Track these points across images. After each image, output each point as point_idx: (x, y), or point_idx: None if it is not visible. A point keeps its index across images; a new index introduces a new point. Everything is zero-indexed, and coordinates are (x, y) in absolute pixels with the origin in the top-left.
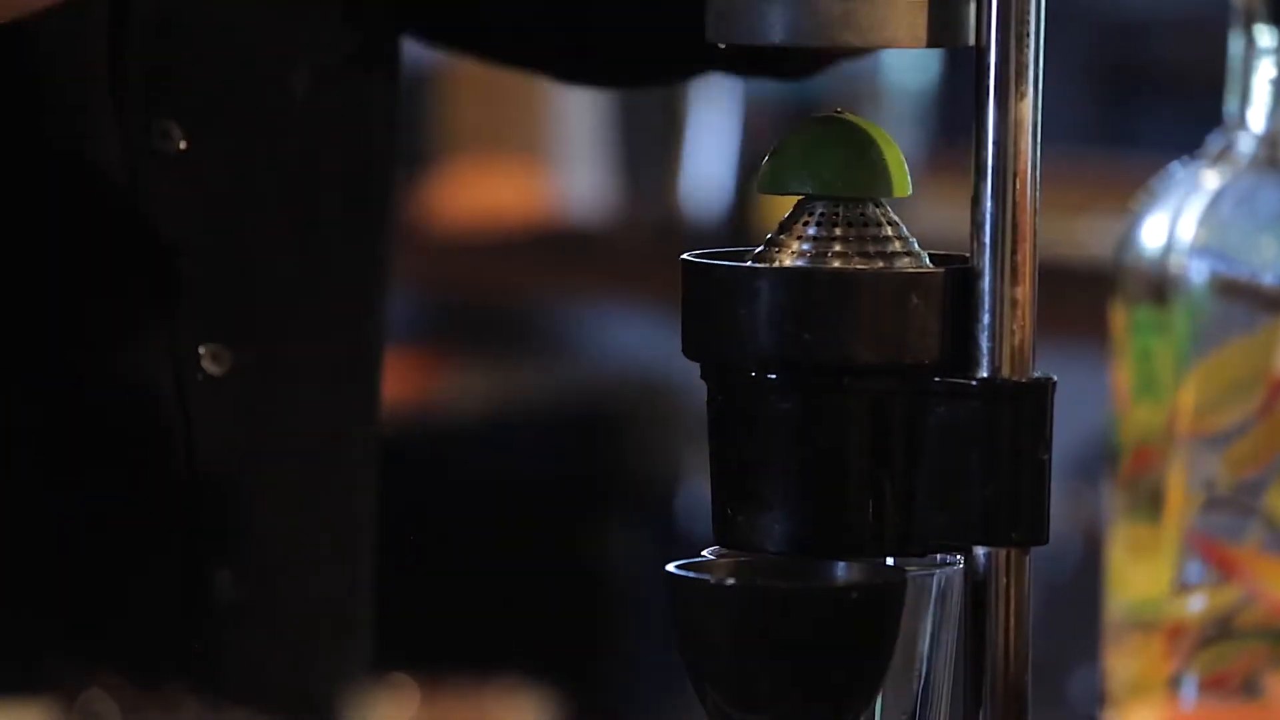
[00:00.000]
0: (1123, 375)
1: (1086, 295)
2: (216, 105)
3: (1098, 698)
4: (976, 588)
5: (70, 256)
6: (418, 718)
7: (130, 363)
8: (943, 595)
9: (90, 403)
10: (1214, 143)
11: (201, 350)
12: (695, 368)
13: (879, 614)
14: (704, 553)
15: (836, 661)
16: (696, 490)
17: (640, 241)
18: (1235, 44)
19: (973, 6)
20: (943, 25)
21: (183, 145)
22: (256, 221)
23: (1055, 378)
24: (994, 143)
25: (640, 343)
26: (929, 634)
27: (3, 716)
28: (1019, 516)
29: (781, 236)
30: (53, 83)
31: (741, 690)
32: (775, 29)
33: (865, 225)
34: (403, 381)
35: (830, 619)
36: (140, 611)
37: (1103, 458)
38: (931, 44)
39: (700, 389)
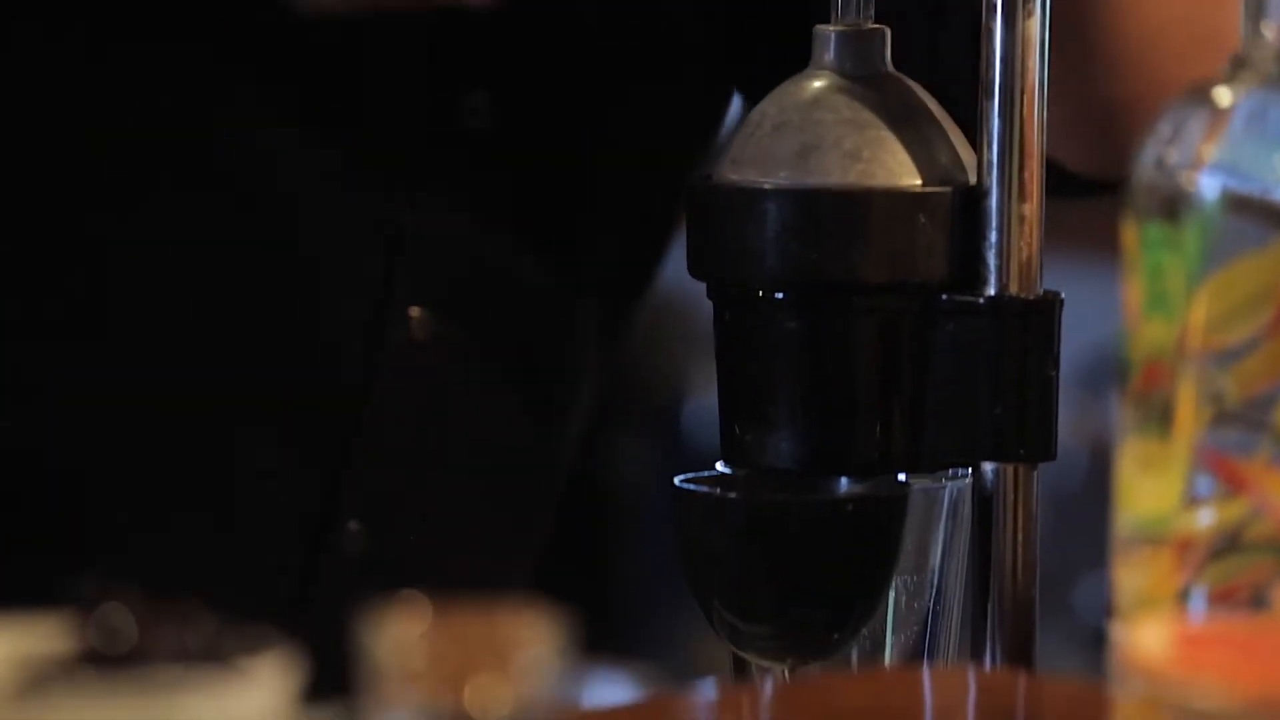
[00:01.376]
0: (1133, 291)
1: (1096, 211)
2: None
3: (1106, 610)
4: (984, 504)
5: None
6: (428, 634)
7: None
8: (954, 508)
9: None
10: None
11: (412, 312)
12: (701, 282)
13: (880, 527)
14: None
15: (839, 574)
16: (702, 404)
17: None
18: None
19: None
20: None
21: None
22: None
23: (1062, 294)
24: (1001, 60)
25: None
26: (940, 546)
27: (18, 632)
28: (1027, 433)
29: None
30: None
31: (745, 603)
32: None
33: None
34: None
35: (830, 531)
36: (257, 548)
37: (1111, 371)
38: None
39: (706, 303)
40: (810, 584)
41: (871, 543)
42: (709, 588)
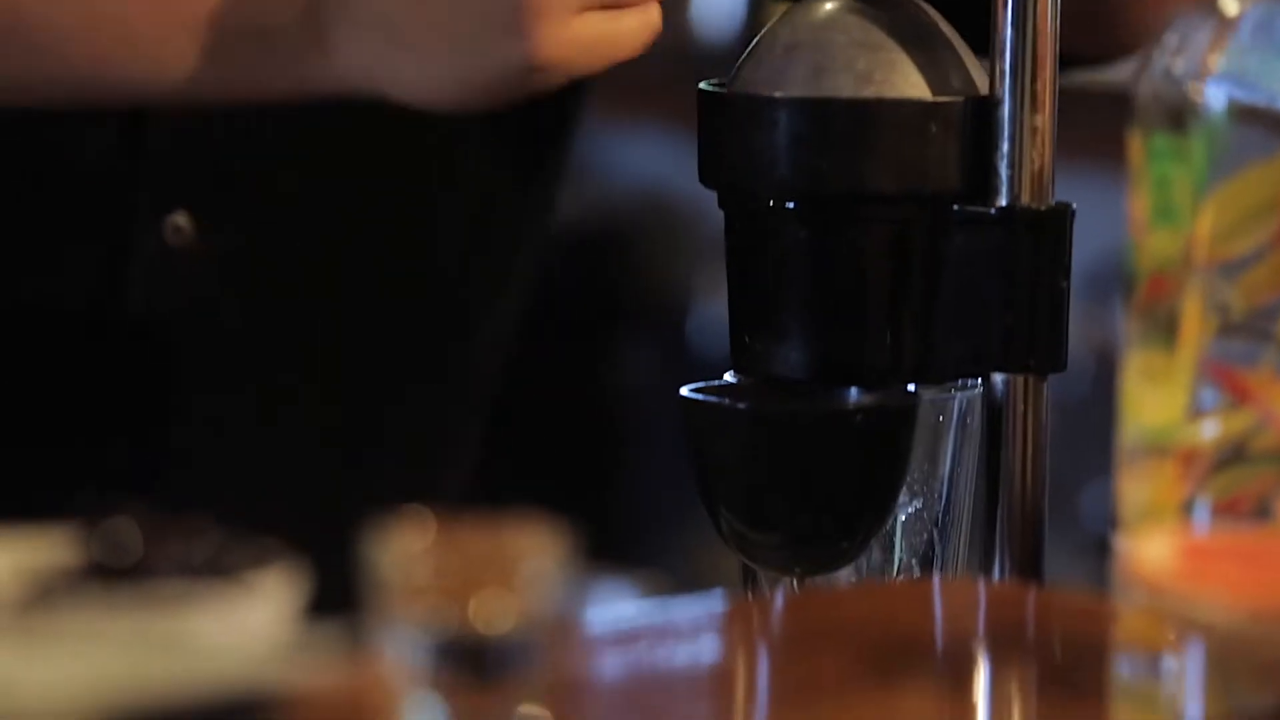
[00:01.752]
0: (1139, 203)
1: (1104, 122)
2: None
3: (1111, 519)
4: (994, 414)
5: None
6: (433, 549)
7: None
8: (964, 418)
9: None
10: None
11: (176, 219)
12: (707, 189)
13: (888, 437)
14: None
15: (847, 483)
16: (708, 311)
17: (652, 59)
18: None
19: None
20: None
21: None
22: None
23: (1074, 205)
24: None
25: (652, 162)
26: (950, 456)
27: (25, 544)
28: (1037, 344)
29: None
30: None
31: (753, 512)
32: None
33: None
34: None
35: (838, 441)
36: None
37: (1118, 280)
38: None
39: (713, 208)
40: (819, 494)
41: (880, 453)
42: (718, 497)
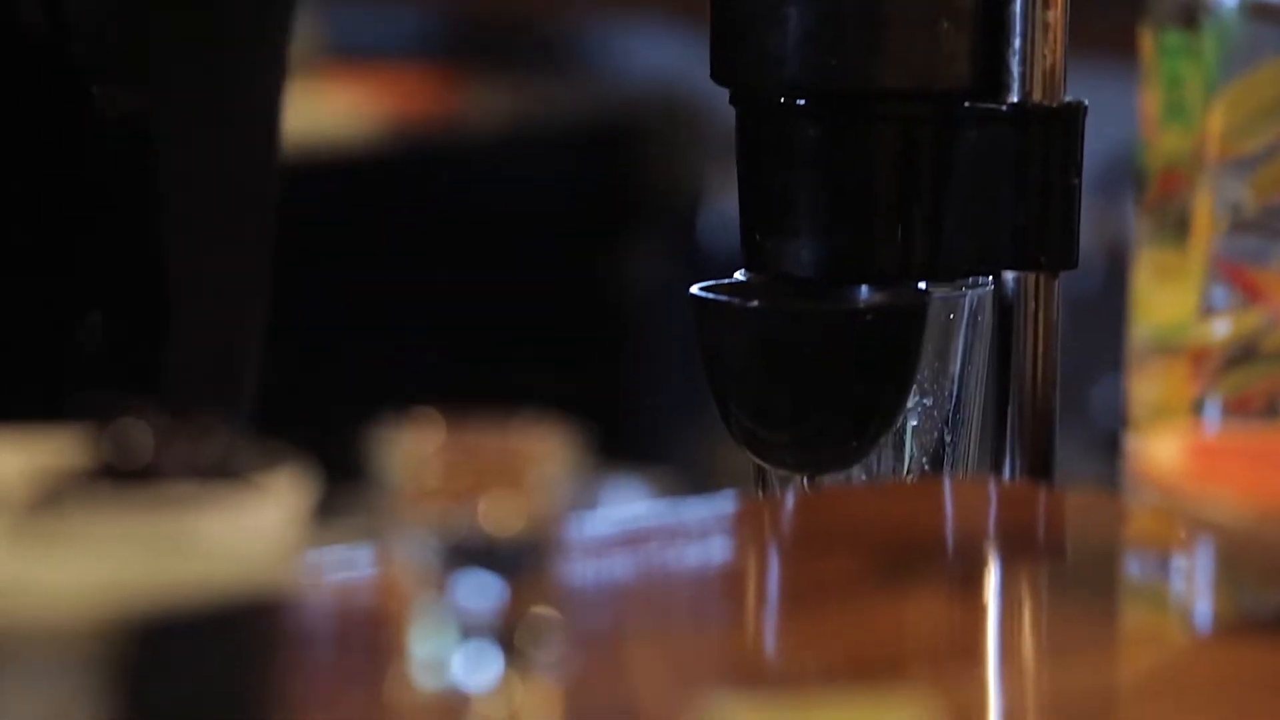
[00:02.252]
0: (1151, 100)
1: (1117, 18)
2: None
3: (1121, 416)
4: (1005, 312)
5: None
6: (443, 449)
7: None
8: (974, 316)
9: None
10: None
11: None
12: (718, 87)
13: (898, 335)
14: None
15: (857, 382)
16: (718, 209)
17: None
18: None
19: None
20: None
21: None
22: None
23: (1086, 103)
24: None
25: (662, 59)
26: (960, 355)
27: (35, 446)
28: (1048, 241)
29: None
30: None
31: (763, 410)
32: None
33: None
34: (422, 98)
35: (849, 340)
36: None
37: (1129, 177)
38: None
39: (724, 106)
40: (829, 392)
41: (890, 351)
42: (728, 396)
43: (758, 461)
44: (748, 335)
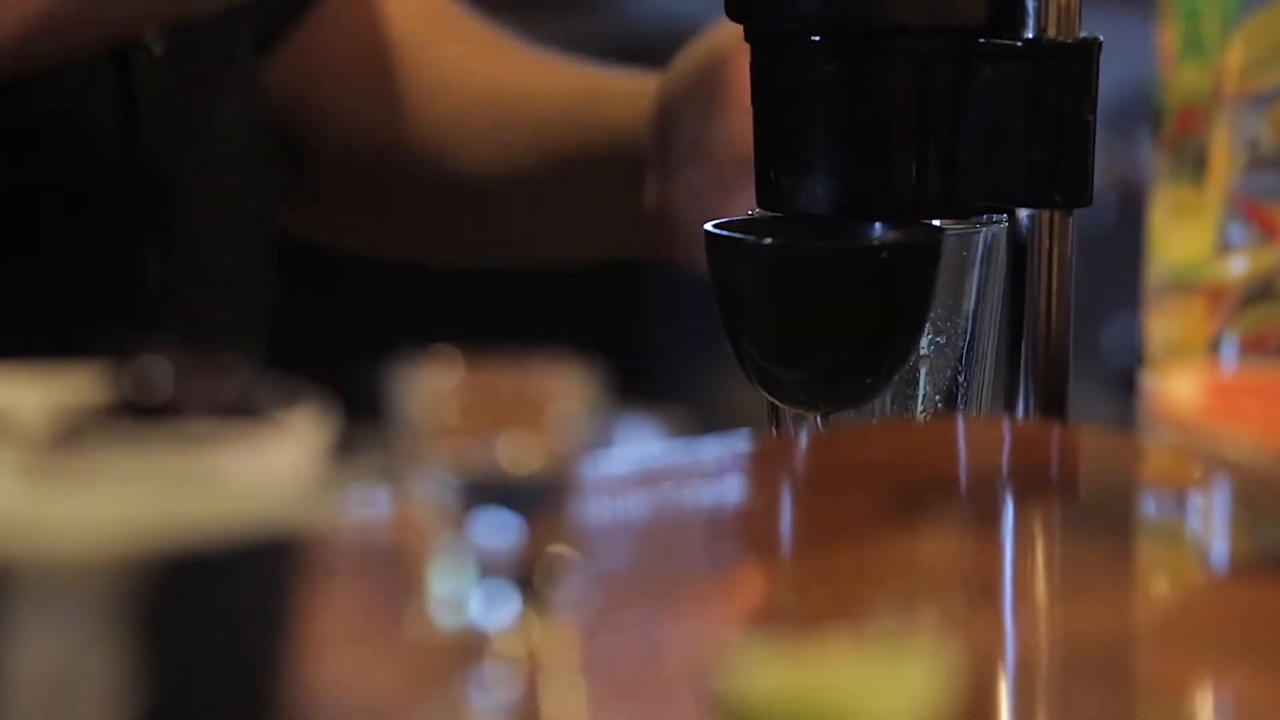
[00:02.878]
0: (1168, 36)
1: None
2: None
3: (1134, 354)
4: (1019, 249)
5: None
6: (461, 388)
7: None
8: (989, 252)
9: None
10: None
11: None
12: (734, 22)
13: (913, 272)
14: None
15: (870, 319)
16: None
17: None
18: None
19: None
20: None
21: None
22: None
23: (1101, 38)
24: None
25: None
26: (974, 292)
27: (54, 382)
28: (1063, 178)
29: None
30: None
31: (777, 348)
32: None
33: None
34: None
35: (862, 276)
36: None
37: (1141, 112)
38: None
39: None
40: (843, 329)
41: (904, 288)
42: (742, 334)
43: (771, 400)
44: (762, 272)
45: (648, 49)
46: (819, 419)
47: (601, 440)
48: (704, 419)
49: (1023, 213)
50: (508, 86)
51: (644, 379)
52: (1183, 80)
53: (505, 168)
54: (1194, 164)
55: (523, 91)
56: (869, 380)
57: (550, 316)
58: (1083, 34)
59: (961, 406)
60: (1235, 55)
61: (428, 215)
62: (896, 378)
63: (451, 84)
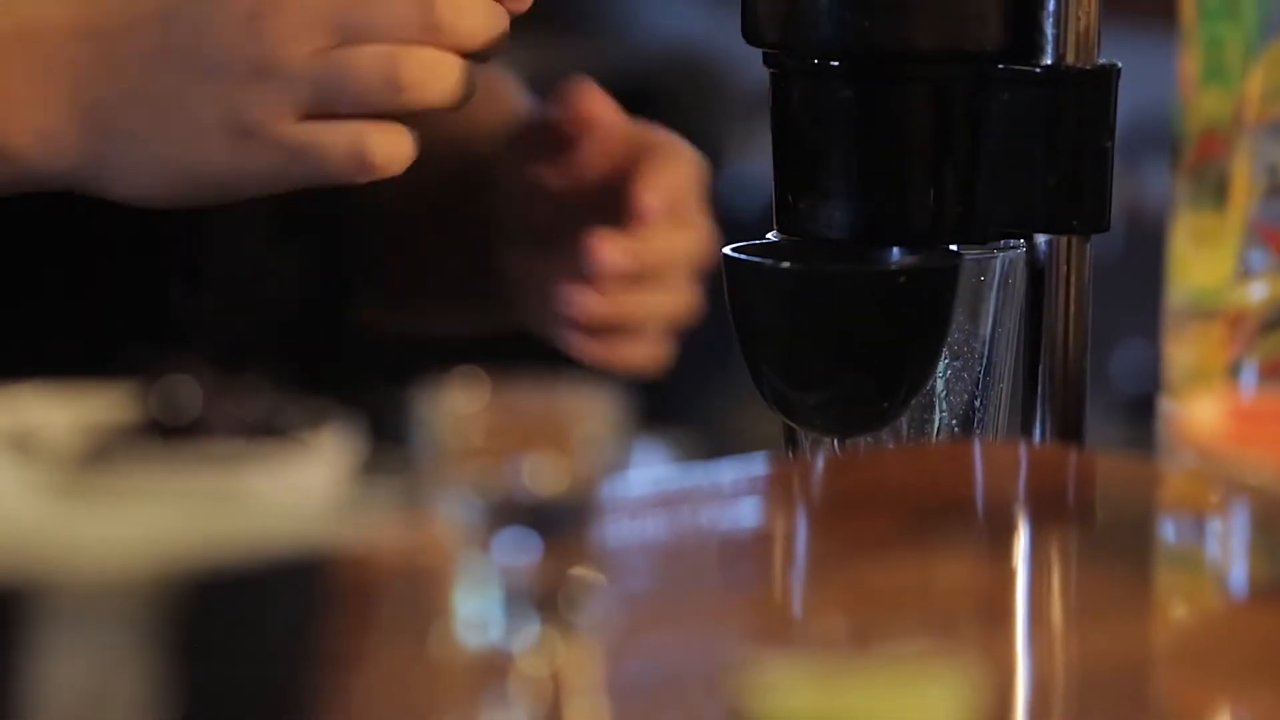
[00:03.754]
0: (1190, 62)
1: None
2: None
3: (1142, 380)
4: (1036, 276)
5: None
6: (486, 410)
7: None
8: (1005, 278)
9: None
10: None
11: None
12: (740, 44)
13: (930, 297)
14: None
15: (888, 343)
16: (738, 170)
17: None
18: None
19: None
20: None
21: None
22: None
23: (1120, 65)
24: None
25: (684, 19)
26: (991, 317)
27: (83, 401)
28: (1080, 204)
29: None
30: None
31: (796, 371)
32: None
33: None
34: None
35: (881, 301)
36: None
37: (1150, 139)
38: None
39: (744, 66)
40: (860, 354)
41: (922, 313)
42: (760, 357)
43: (789, 423)
44: (780, 296)
45: (655, 70)
46: (836, 443)
47: (622, 463)
48: (716, 443)
49: (1040, 238)
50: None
51: (659, 403)
52: (1204, 106)
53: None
54: (1214, 190)
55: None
56: (886, 405)
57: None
58: (1101, 61)
59: (978, 431)
60: (1257, 82)
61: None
62: (914, 402)
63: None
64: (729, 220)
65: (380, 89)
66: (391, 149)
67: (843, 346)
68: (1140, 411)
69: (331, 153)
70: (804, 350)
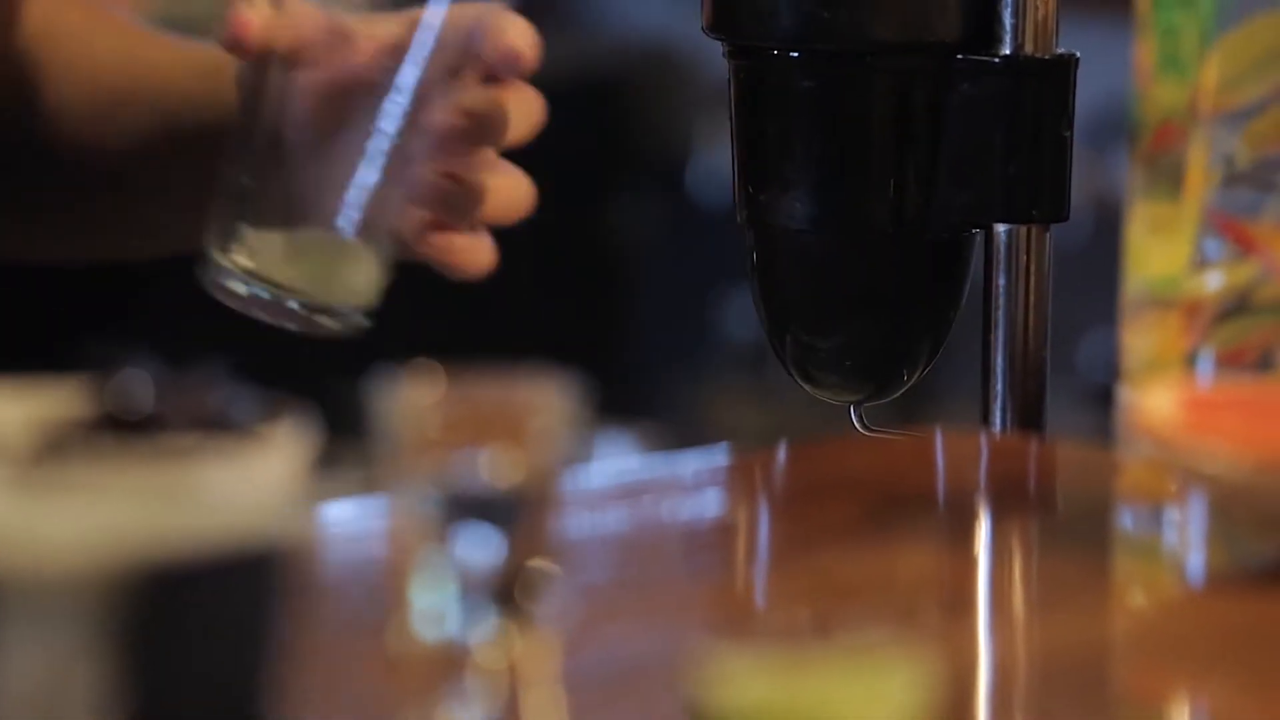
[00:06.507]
0: (1145, 52)
1: None
2: None
3: (1109, 369)
4: (994, 264)
5: None
6: (443, 402)
7: None
8: None
9: None
10: None
11: None
12: (706, 37)
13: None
14: None
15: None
16: (707, 161)
17: None
18: None
19: None
20: None
21: None
22: None
23: (1078, 54)
24: None
25: (653, 12)
26: None
27: (36, 396)
28: (1040, 193)
29: None
30: None
31: (816, 321)
32: None
33: None
34: None
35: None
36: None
37: (1117, 127)
38: None
39: (712, 58)
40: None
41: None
42: (785, 321)
43: (809, 389)
44: (809, 260)
45: (624, 62)
46: (852, 410)
47: (581, 455)
48: (677, 434)
49: (1000, 227)
50: (127, 63)
51: (617, 393)
52: (1160, 96)
53: (130, 147)
54: (1171, 179)
55: (142, 68)
56: (905, 370)
57: (530, 331)
58: (1060, 50)
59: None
60: (1212, 71)
61: (61, 205)
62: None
63: (72, 61)
64: (698, 211)
65: None
66: None
67: (864, 309)
68: (1108, 400)
69: None
70: (826, 313)
